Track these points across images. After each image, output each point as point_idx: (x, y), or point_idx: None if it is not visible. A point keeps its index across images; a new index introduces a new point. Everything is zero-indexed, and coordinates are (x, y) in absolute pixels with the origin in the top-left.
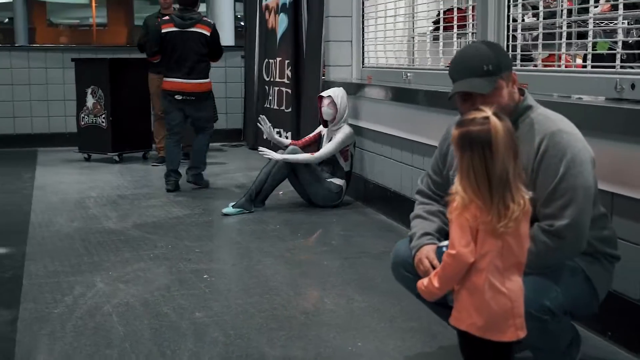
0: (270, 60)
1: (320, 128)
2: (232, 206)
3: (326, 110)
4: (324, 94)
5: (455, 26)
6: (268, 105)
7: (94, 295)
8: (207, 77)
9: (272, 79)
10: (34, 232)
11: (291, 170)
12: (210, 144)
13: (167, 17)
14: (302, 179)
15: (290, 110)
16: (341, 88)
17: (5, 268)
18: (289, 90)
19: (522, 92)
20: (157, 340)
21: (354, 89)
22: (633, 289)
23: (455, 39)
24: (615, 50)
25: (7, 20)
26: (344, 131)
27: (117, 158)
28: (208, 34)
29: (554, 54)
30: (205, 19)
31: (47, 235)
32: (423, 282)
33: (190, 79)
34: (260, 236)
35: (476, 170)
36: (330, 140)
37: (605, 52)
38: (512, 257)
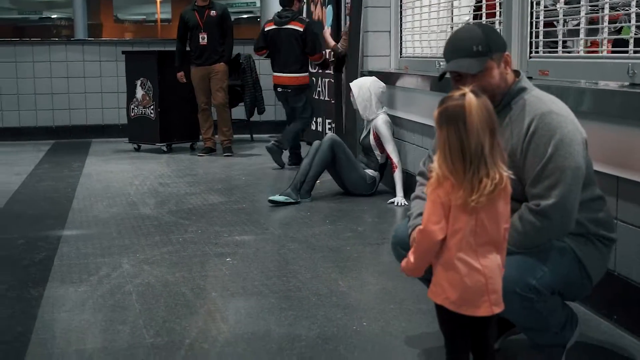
0: None
1: None
2: (279, 194)
3: (353, 100)
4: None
5: (484, 14)
6: (317, 97)
7: (119, 276)
8: (301, 72)
9: (319, 70)
10: (73, 217)
11: (332, 158)
12: (257, 135)
13: (270, 19)
14: (339, 165)
15: (334, 101)
16: (373, 77)
17: (39, 250)
18: (332, 81)
19: (517, 74)
20: (169, 317)
21: (390, 79)
22: (638, 272)
23: None
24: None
25: None
26: (383, 121)
27: (165, 148)
28: (301, 29)
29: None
30: (300, 17)
31: (85, 220)
32: (405, 260)
33: (286, 72)
34: (288, 222)
35: (451, 145)
36: (368, 133)
37: (628, 37)
38: (485, 235)
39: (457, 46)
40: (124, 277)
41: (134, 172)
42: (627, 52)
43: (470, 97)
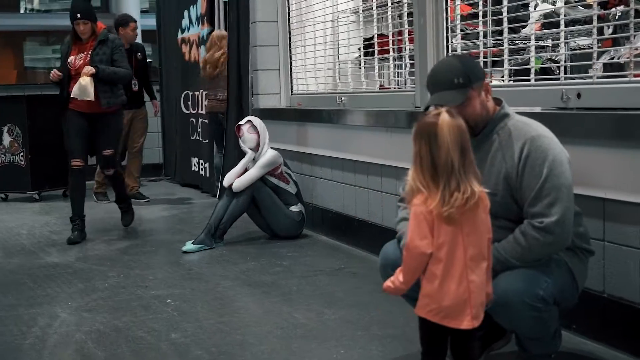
0: (195, 93)
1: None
2: (192, 243)
3: (247, 136)
4: (241, 122)
5: (375, 52)
6: (197, 138)
7: (61, 325)
8: None
9: (198, 111)
10: None
11: (251, 203)
12: None
13: None
14: (264, 209)
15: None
16: (257, 118)
17: None
18: (206, 122)
19: (498, 101)
20: None
21: (285, 116)
22: (595, 282)
23: (376, 64)
24: (548, 65)
25: None
26: (267, 154)
27: (36, 196)
28: None
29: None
30: None
31: None
32: (391, 279)
33: None
34: (209, 262)
35: (423, 158)
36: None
37: (538, 67)
38: (472, 247)
39: (438, 79)
40: (67, 325)
41: (16, 222)
42: (556, 78)
43: (445, 116)
